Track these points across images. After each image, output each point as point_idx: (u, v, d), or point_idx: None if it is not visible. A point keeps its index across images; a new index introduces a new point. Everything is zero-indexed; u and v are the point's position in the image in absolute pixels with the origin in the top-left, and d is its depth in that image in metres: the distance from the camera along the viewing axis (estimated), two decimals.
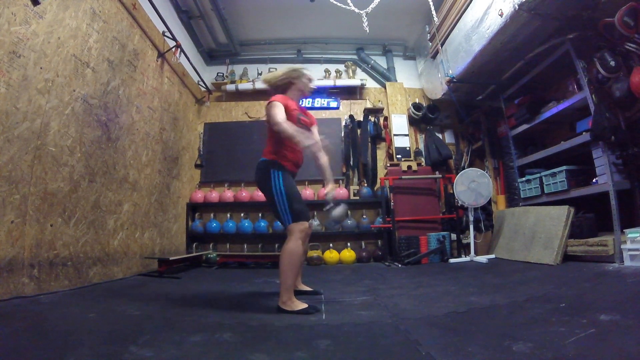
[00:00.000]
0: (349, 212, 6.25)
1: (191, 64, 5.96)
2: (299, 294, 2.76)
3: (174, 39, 5.06)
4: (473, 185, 5.13)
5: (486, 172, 5.60)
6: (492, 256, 5.06)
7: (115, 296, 3.07)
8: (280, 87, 2.94)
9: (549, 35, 4.34)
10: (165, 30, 4.91)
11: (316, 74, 7.07)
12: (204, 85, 6.74)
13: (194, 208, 6.38)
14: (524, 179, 5.26)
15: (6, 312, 2.27)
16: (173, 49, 5.14)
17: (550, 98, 4.88)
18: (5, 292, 2.53)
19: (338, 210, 2.80)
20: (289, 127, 2.55)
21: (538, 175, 4.90)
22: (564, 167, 4.41)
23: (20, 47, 2.69)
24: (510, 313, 2.14)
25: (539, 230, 4.42)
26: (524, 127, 5.23)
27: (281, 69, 2.99)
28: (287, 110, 2.70)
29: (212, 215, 6.40)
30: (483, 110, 6.40)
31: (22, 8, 2.70)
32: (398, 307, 2.48)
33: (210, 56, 7.21)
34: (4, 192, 2.57)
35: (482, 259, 4.88)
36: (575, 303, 2.25)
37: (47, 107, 2.97)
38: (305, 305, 2.43)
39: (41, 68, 2.90)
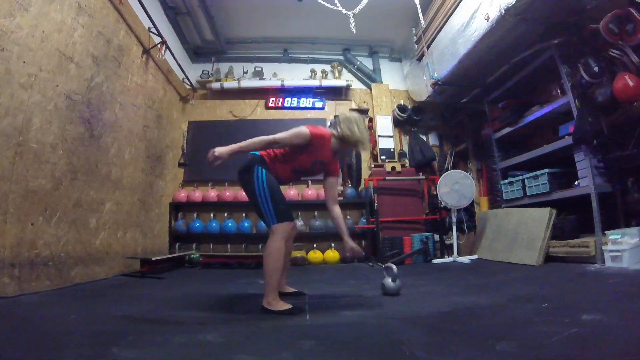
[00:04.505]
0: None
1: (176, 61, 5.89)
2: (283, 295, 2.75)
3: (159, 35, 5.00)
4: (456, 186, 5.19)
5: (469, 174, 5.66)
6: (475, 257, 5.13)
7: (98, 297, 3.03)
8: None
9: (534, 40, 4.41)
10: (151, 26, 4.84)
11: (302, 74, 7.09)
12: (188, 83, 6.66)
13: (177, 207, 6.31)
14: (506, 181, 5.34)
15: None
16: (158, 46, 5.08)
17: (534, 102, 4.96)
18: None
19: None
20: (250, 144, 2.56)
21: (521, 177, 4.97)
22: (547, 170, 4.48)
23: (4, 40, 2.63)
24: (493, 313, 2.17)
25: (521, 232, 4.49)
26: (508, 130, 5.31)
27: (358, 134, 2.76)
28: (314, 148, 2.70)
29: (195, 214, 6.31)
30: (467, 113, 6.49)
31: (7, 0, 2.64)
32: (382, 307, 2.49)
33: (196, 53, 7.12)
34: None
35: (465, 259, 4.93)
36: (557, 303, 2.29)
37: (30, 102, 2.90)
38: (289, 306, 2.42)
39: (24, 62, 2.84)
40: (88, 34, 3.67)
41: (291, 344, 1.72)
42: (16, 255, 2.77)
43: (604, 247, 3.60)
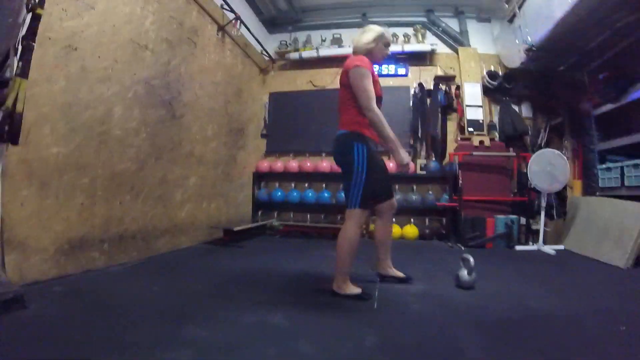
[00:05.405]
0: (415, 186, 6.11)
1: (252, 34, 5.86)
2: (390, 279, 2.92)
3: (232, 11, 5.00)
4: (549, 168, 4.71)
5: (564, 152, 5.14)
6: (561, 247, 4.69)
7: (179, 267, 3.33)
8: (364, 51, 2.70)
9: None
10: (224, 2, 4.85)
11: None
12: (267, 55, 6.69)
13: (259, 177, 6.53)
14: (604, 166, 4.75)
15: (78, 287, 2.50)
16: (233, 21, 5.10)
17: None
18: (77, 266, 2.78)
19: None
20: (384, 122, 2.45)
21: (620, 164, 4.40)
22: None
23: (75, 40, 2.74)
24: (567, 326, 2.00)
25: (612, 226, 4.01)
26: (609, 106, 4.67)
27: (370, 33, 2.74)
28: (373, 80, 2.55)
29: (277, 184, 6.52)
30: (564, 83, 5.81)
31: (73, 3, 2.72)
32: (452, 303, 2.41)
33: (272, 24, 7.03)
34: (73, 177, 2.76)
35: (550, 249, 4.53)
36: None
37: (109, 93, 3.08)
38: (359, 290, 2.45)
39: (99, 57, 2.97)
40: (159, 20, 3.72)
41: (353, 338, 1.77)
42: (105, 232, 3.06)
43: None
